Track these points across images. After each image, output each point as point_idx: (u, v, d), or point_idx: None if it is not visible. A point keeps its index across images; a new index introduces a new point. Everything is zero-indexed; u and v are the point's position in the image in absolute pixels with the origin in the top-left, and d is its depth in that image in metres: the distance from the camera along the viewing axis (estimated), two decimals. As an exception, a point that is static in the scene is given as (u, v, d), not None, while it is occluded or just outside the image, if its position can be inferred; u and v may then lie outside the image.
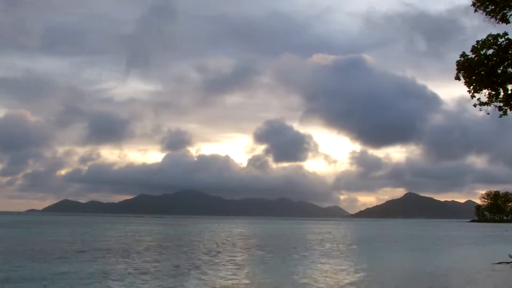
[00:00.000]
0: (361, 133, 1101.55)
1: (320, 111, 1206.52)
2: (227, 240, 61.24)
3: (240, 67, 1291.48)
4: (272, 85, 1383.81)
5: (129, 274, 26.72)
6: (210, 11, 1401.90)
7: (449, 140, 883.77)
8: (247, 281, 25.05)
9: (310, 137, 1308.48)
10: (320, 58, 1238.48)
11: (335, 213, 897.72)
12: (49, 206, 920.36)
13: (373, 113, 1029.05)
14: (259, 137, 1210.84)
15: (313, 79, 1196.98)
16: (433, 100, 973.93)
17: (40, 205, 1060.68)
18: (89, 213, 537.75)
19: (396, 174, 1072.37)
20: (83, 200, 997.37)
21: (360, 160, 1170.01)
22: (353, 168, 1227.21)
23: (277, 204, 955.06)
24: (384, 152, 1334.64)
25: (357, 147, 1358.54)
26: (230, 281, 24.77)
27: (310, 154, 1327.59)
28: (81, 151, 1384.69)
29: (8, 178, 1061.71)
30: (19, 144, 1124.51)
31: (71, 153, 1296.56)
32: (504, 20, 15.64)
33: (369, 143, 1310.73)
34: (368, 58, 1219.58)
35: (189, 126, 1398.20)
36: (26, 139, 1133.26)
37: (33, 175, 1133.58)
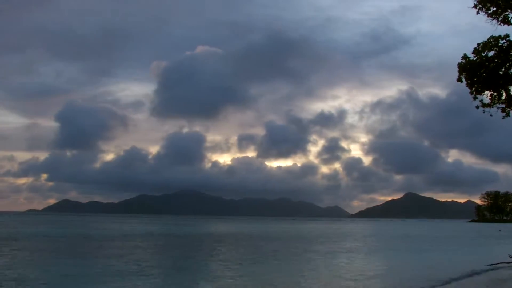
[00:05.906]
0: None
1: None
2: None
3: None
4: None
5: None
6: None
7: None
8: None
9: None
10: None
11: (335, 213, 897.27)
12: (49, 206, 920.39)
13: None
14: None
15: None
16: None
17: (40, 205, 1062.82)
18: (90, 213, 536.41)
19: (396, 174, 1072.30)
20: (83, 200, 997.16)
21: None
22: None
23: (277, 204, 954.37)
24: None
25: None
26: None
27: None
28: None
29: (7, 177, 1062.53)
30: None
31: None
32: (506, 21, 15.61)
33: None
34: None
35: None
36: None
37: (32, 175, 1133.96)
